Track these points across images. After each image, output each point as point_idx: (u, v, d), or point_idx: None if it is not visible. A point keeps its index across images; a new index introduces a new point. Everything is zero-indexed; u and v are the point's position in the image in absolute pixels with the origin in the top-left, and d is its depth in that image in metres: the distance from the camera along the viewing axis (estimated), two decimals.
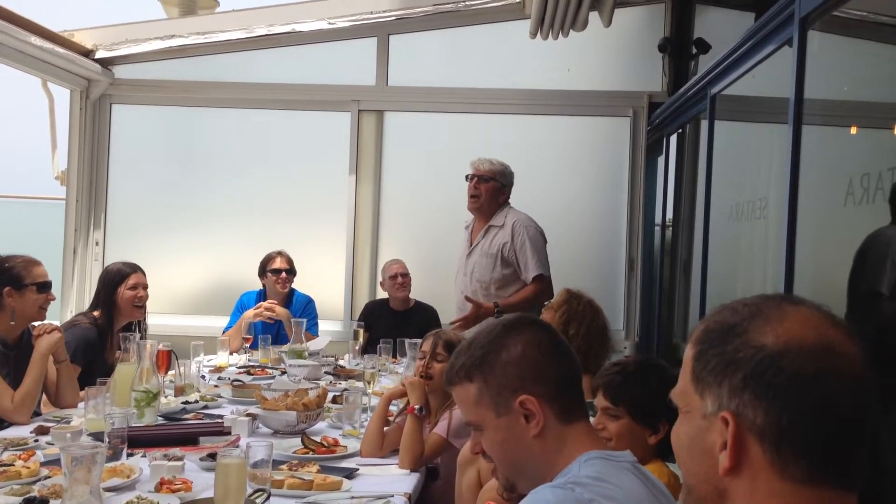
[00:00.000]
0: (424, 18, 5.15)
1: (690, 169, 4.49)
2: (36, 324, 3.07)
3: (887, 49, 2.57)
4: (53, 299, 3.14)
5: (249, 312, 4.53)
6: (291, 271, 4.76)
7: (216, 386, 3.51)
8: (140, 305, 3.58)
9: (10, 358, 2.98)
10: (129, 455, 2.33)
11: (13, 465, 2.20)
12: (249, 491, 1.93)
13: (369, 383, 3.32)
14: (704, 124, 3.93)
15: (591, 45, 5.01)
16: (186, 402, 3.12)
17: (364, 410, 2.95)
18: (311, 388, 3.01)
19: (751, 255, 3.52)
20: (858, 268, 2.26)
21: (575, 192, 5.21)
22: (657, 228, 5.23)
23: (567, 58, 5.13)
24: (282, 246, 4.82)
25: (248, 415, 2.82)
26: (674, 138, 4.87)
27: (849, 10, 2.52)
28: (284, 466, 2.32)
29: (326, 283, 5.23)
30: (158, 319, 4.29)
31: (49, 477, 2.16)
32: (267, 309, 4.53)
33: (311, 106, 5.33)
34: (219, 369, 3.93)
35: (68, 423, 2.77)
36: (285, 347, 4.12)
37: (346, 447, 2.61)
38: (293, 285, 4.80)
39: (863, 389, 0.85)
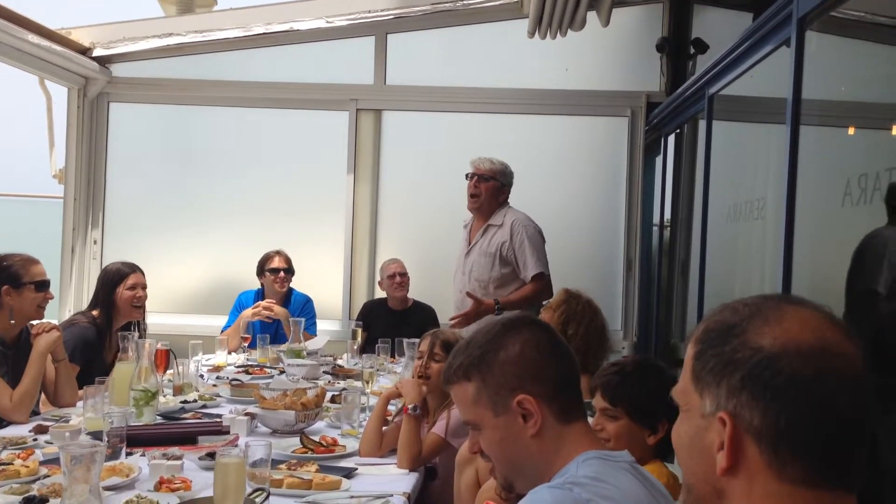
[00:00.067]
0: (422, 17, 5.15)
1: (688, 169, 4.50)
2: (34, 323, 3.07)
3: (885, 49, 2.58)
4: (52, 298, 3.14)
5: (248, 312, 4.53)
6: (290, 271, 4.76)
7: (215, 385, 3.51)
8: (139, 305, 3.58)
9: (8, 357, 2.98)
10: (128, 454, 2.33)
11: (12, 464, 2.20)
12: (248, 490, 1.93)
13: (368, 383, 3.32)
14: (702, 124, 3.94)
15: (589, 45, 5.01)
16: (185, 402, 3.12)
17: (362, 410, 2.95)
18: (310, 388, 3.01)
19: (749, 255, 3.53)
20: (856, 268, 2.26)
21: (573, 192, 5.22)
22: (655, 228, 5.24)
23: (565, 57, 5.13)
24: (280, 245, 4.82)
25: (246, 414, 2.83)
26: (672, 138, 4.87)
27: (846, 11, 2.53)
28: (283, 466, 2.33)
29: (325, 282, 5.23)
30: (157, 318, 4.29)
31: (48, 476, 2.16)
32: (265, 308, 4.53)
33: (309, 105, 5.33)
34: (217, 368, 3.93)
35: (67, 422, 2.77)
36: (284, 347, 4.12)
37: (344, 447, 2.61)
38: (291, 285, 4.80)
39: (862, 390, 0.85)
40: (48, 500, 1.95)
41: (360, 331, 4.43)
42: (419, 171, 5.31)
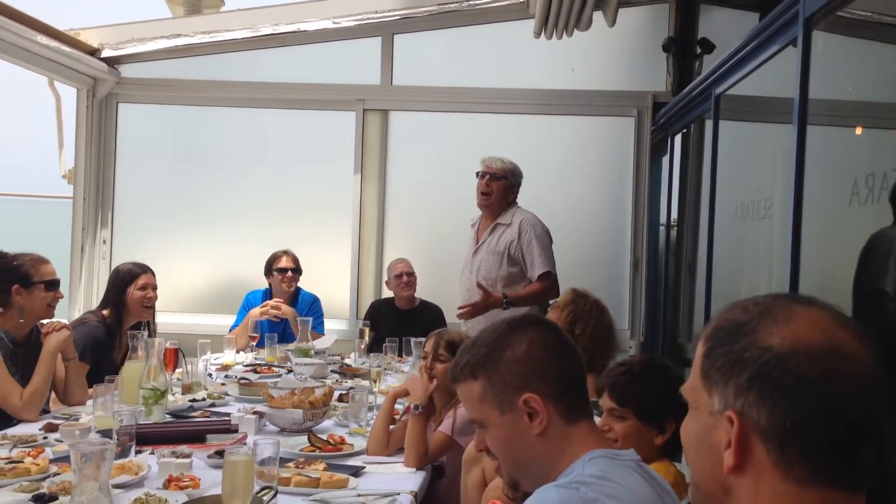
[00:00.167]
0: (429, 18, 5.15)
1: (695, 169, 4.50)
2: (44, 322, 3.09)
3: (892, 49, 2.57)
4: (61, 297, 3.16)
5: (255, 311, 4.54)
6: (297, 270, 4.78)
7: (223, 384, 3.53)
8: (149, 306, 3.61)
9: (18, 356, 3.00)
10: (138, 452, 2.34)
11: (22, 462, 2.21)
12: (257, 488, 1.94)
13: (375, 382, 3.33)
14: (709, 124, 3.93)
15: (596, 45, 5.01)
16: (194, 400, 3.14)
17: (370, 409, 2.96)
18: (318, 387, 3.02)
19: (756, 254, 3.52)
20: (863, 267, 2.26)
21: (579, 192, 5.22)
22: (662, 228, 5.23)
23: (571, 57, 5.13)
24: (288, 245, 4.84)
25: (254, 412, 2.84)
26: (678, 138, 4.87)
27: (853, 11, 2.53)
28: (291, 464, 2.34)
29: (332, 281, 5.24)
30: (165, 318, 4.31)
31: (58, 474, 2.17)
32: (273, 307, 4.55)
33: (316, 105, 5.34)
34: (225, 367, 3.94)
35: (77, 420, 2.79)
36: (291, 346, 4.14)
37: (352, 445, 2.62)
38: (299, 284, 4.82)
39: (870, 391, 0.85)
40: (58, 498, 1.97)
41: (367, 330, 4.44)
42: (426, 171, 5.31)
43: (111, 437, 2.22)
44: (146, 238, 5.29)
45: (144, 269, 3.63)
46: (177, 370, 3.42)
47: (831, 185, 2.61)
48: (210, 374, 3.63)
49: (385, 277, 5.00)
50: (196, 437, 2.56)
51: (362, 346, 4.30)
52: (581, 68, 5.19)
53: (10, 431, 2.67)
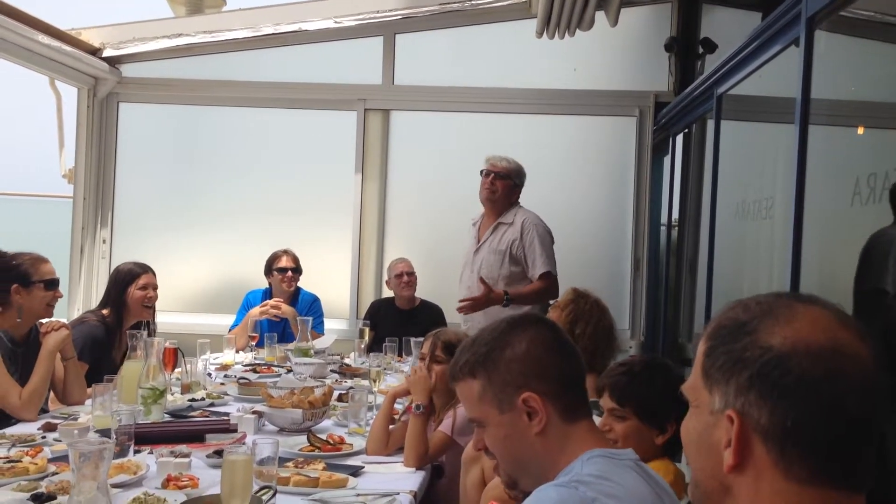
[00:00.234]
0: (430, 17, 5.15)
1: (697, 168, 4.49)
2: (43, 321, 3.09)
3: (894, 49, 2.56)
4: (61, 297, 3.16)
5: (255, 310, 4.54)
6: (297, 270, 4.77)
7: (222, 383, 3.52)
8: (149, 306, 3.61)
9: (17, 355, 3.00)
10: (136, 452, 2.33)
11: (21, 462, 2.21)
12: (255, 488, 1.93)
13: (375, 381, 3.33)
14: (711, 124, 3.93)
15: (598, 45, 5.01)
16: (193, 400, 3.13)
17: (369, 408, 2.96)
18: (317, 386, 3.02)
19: (757, 254, 3.51)
20: (864, 267, 2.25)
21: (581, 192, 5.21)
22: (663, 228, 5.23)
23: (573, 57, 5.13)
24: (288, 244, 4.83)
25: (254, 412, 2.83)
26: (680, 138, 4.86)
27: (856, 10, 2.52)
28: (290, 464, 2.33)
29: (332, 281, 5.24)
30: (165, 317, 4.30)
31: (56, 473, 2.17)
32: (273, 307, 4.54)
33: (318, 105, 5.34)
34: (225, 367, 3.94)
35: (75, 419, 2.79)
36: (291, 345, 4.13)
37: (351, 445, 2.62)
38: (299, 284, 4.81)
39: (872, 391, 0.85)
40: (56, 498, 1.96)
41: (367, 330, 4.44)
42: (427, 171, 5.31)
43: (110, 437, 2.21)
44: (146, 238, 5.29)
45: (145, 269, 3.63)
46: (176, 370, 3.41)
47: (833, 184, 2.60)
48: (209, 374, 3.63)
49: (385, 277, 5.00)
50: (195, 436, 2.55)
51: (362, 346, 4.29)
52: (583, 68, 5.19)
53: (9, 431, 2.66)
